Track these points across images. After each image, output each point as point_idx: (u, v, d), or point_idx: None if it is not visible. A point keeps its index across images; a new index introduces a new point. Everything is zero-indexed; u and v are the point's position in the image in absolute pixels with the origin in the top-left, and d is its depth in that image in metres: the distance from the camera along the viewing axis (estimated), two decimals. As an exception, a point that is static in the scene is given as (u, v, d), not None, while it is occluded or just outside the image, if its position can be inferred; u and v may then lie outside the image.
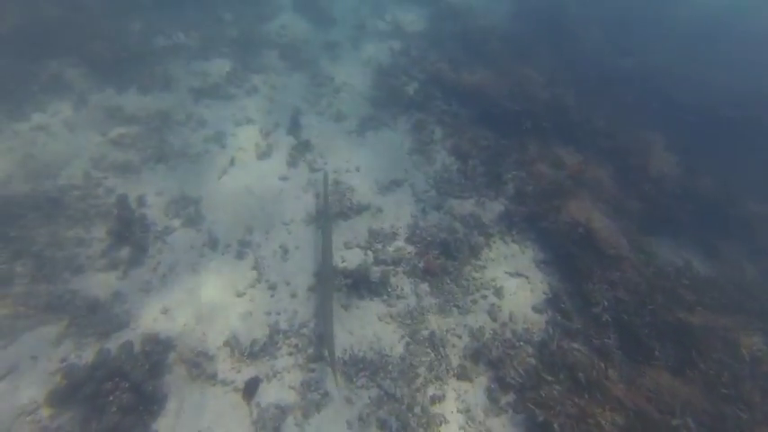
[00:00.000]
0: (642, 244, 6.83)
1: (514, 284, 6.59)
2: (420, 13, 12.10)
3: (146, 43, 9.48)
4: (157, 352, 5.23)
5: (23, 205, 6.50)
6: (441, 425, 5.06)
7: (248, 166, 7.76)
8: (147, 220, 6.70)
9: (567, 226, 6.76)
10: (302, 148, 8.01)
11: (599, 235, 6.47)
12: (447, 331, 5.90)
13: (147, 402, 4.85)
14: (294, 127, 8.32)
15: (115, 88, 8.59)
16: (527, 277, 6.70)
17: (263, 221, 6.98)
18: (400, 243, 6.92)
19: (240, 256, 6.53)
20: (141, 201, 6.94)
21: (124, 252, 6.28)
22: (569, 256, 6.69)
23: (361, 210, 7.21)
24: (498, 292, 6.41)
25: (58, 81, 8.35)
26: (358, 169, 7.79)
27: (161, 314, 5.76)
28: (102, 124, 7.94)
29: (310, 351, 5.55)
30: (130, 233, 6.37)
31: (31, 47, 8.59)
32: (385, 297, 6.25)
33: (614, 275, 6.24)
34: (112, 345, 5.21)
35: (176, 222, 6.82)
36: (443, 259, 6.71)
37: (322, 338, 5.64)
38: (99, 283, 5.94)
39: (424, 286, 6.44)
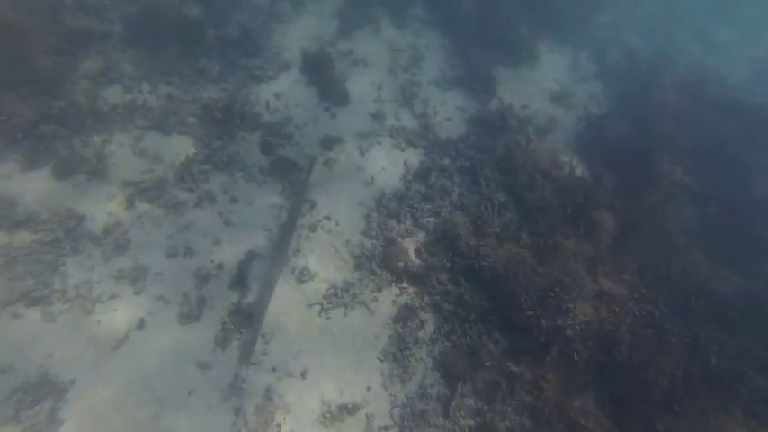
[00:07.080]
0: None
1: None
2: (464, 107, 8.98)
3: (92, 95, 7.18)
4: None
5: None
6: None
7: (163, 331, 5.67)
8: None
9: None
10: (241, 321, 5.86)
11: None
12: None
13: None
14: (240, 280, 6.15)
15: (21, 163, 6.41)
16: None
17: (151, 443, 4.98)
18: None
19: None
20: (-12, 378, 4.95)
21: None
22: None
23: (287, 452, 5.15)
24: None
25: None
26: (304, 375, 5.65)
27: None
28: (-17, 224, 5.86)
29: None
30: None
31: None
32: None
33: None
34: None
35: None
36: None
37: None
38: None
39: None
